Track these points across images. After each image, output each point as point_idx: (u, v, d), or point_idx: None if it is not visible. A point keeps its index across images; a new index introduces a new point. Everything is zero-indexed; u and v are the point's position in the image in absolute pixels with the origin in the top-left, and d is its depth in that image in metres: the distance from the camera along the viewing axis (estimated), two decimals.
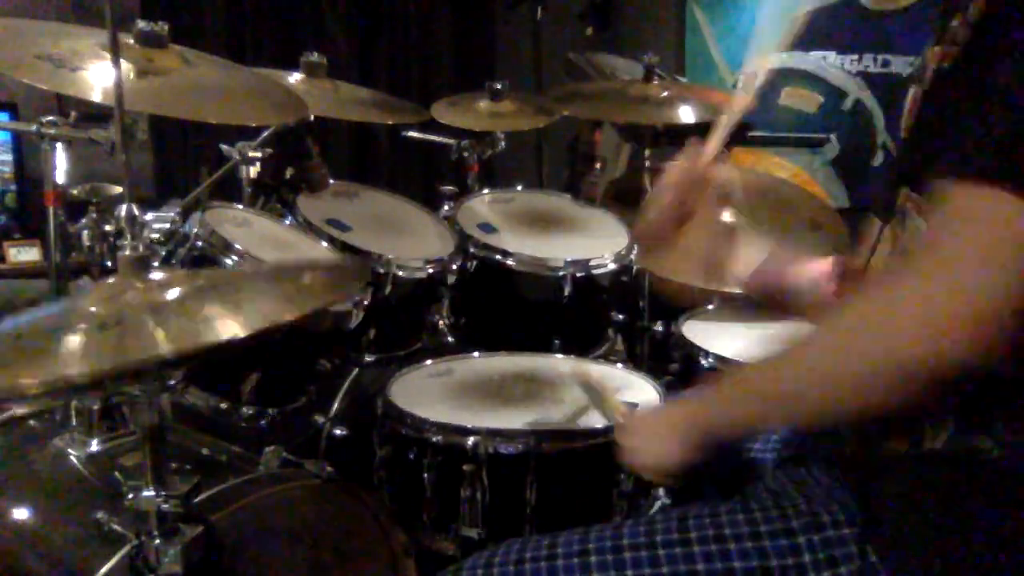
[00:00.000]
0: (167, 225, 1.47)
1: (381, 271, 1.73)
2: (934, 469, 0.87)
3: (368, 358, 1.81)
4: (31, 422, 1.46)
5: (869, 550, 0.85)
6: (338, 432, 1.76)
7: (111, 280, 1.01)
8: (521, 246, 1.93)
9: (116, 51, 1.00)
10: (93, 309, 0.94)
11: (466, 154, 2.34)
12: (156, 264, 1.04)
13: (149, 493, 1.01)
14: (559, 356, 1.77)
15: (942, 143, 0.79)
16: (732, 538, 0.90)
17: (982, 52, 0.79)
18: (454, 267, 1.87)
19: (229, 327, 0.88)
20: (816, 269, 1.15)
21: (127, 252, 0.98)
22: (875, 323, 0.78)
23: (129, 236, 0.98)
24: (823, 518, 0.89)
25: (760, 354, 0.92)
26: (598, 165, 2.32)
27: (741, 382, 0.96)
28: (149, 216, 1.46)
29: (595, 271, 1.92)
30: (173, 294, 0.96)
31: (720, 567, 0.89)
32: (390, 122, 2.32)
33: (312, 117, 1.72)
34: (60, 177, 1.50)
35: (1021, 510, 0.81)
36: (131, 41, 1.46)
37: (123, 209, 0.98)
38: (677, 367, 2.00)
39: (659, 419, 1.07)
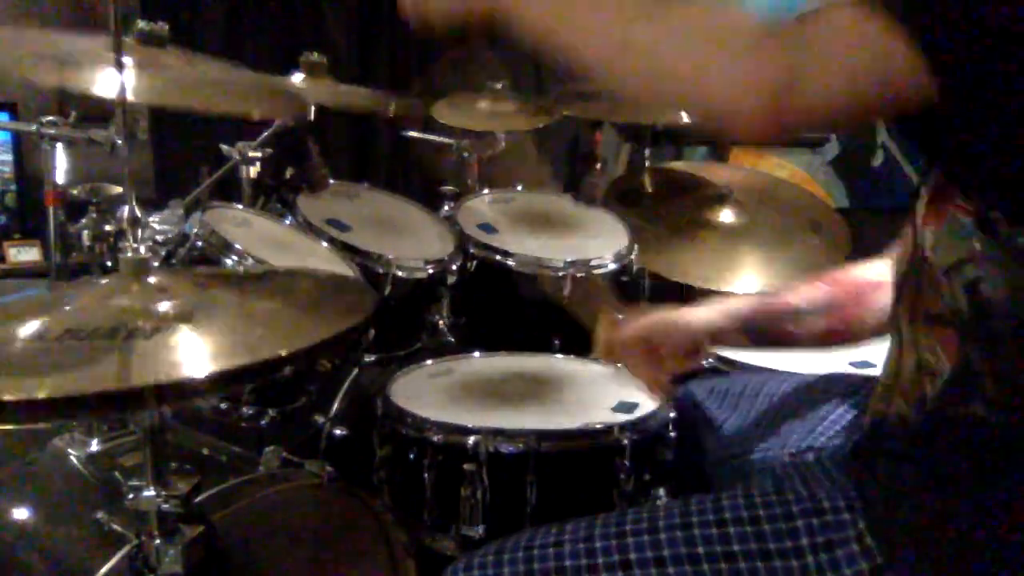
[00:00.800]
0: (170, 227, 1.47)
1: (381, 271, 1.73)
2: (928, 451, 0.88)
3: (368, 358, 1.81)
4: None
5: (866, 535, 0.87)
6: (338, 432, 1.76)
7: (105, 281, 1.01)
8: (521, 246, 1.93)
9: (119, 52, 1.00)
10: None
11: (466, 154, 2.34)
12: (156, 264, 1.03)
13: (149, 493, 1.01)
14: (558, 355, 1.77)
15: None
16: (732, 522, 0.92)
17: None
18: (454, 267, 1.87)
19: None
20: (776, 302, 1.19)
21: (128, 254, 0.98)
22: (706, 47, 0.79)
23: (131, 238, 0.98)
24: (823, 504, 0.90)
25: None
26: (598, 165, 2.32)
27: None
28: (153, 218, 1.46)
29: (595, 271, 1.92)
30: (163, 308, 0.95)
31: (719, 550, 0.91)
32: (391, 112, 2.31)
33: (312, 116, 1.72)
34: (60, 177, 1.50)
35: (1015, 483, 0.82)
36: (131, 41, 1.46)
37: (125, 211, 0.98)
38: None
39: None
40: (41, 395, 0.76)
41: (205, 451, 1.42)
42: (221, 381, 0.86)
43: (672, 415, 1.47)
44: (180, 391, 0.86)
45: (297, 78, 2.07)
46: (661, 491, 1.47)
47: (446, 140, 2.39)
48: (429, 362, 1.70)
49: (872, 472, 0.91)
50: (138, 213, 0.99)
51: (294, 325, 0.97)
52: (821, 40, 0.76)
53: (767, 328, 1.20)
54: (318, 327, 0.94)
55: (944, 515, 0.85)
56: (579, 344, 1.93)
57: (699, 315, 1.23)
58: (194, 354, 0.85)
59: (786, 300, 1.20)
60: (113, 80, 1.32)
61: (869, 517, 0.88)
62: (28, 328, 0.91)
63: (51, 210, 1.51)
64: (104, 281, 1.07)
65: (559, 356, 1.77)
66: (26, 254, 3.12)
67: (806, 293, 1.19)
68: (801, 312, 1.18)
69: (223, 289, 1.04)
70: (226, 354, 0.87)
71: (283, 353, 0.86)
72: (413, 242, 1.92)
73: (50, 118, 1.48)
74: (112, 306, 0.95)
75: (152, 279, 0.98)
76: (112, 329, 0.88)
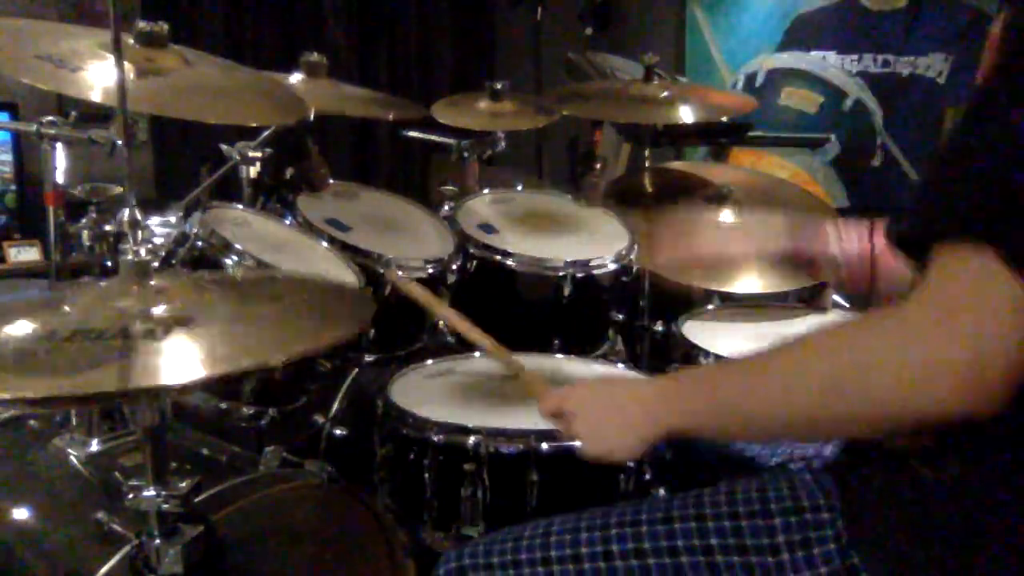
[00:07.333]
0: (169, 230, 1.47)
1: (381, 271, 1.73)
2: (914, 455, 0.88)
3: (368, 358, 1.81)
4: (31, 422, 1.46)
5: (844, 535, 0.88)
6: (338, 432, 1.76)
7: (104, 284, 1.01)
8: (521, 246, 1.93)
9: (119, 51, 1.00)
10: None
11: (466, 154, 2.34)
12: (156, 265, 1.03)
13: (149, 493, 1.01)
14: (558, 355, 1.77)
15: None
16: (711, 517, 0.95)
17: (997, 98, 0.77)
18: (454, 267, 1.87)
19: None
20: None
21: (129, 256, 0.98)
22: (868, 366, 0.78)
23: (131, 240, 0.98)
24: (803, 503, 0.92)
25: (735, 357, 0.93)
26: (598, 165, 2.31)
27: (712, 388, 0.93)
28: (152, 220, 1.46)
29: (595, 271, 1.92)
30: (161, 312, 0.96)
31: (697, 543, 0.93)
32: (391, 117, 2.32)
33: (312, 117, 1.72)
34: (60, 177, 1.50)
35: (974, 528, 0.83)
36: (131, 41, 1.46)
37: (125, 213, 0.98)
38: (677, 367, 2.00)
39: (615, 409, 1.02)
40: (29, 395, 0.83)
41: (205, 451, 1.42)
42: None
43: None
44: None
45: (297, 78, 2.08)
46: (661, 491, 1.47)
47: (446, 140, 2.39)
48: (429, 362, 1.70)
49: (858, 473, 0.92)
50: (139, 216, 0.99)
51: (288, 332, 0.98)
52: (962, 296, 0.73)
53: (799, 262, 1.29)
54: (310, 335, 0.96)
55: (927, 518, 0.86)
56: (579, 344, 1.93)
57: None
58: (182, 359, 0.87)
59: (824, 243, 1.26)
60: (113, 83, 1.32)
61: (849, 517, 0.89)
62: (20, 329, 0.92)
63: (51, 210, 1.51)
64: (102, 284, 1.07)
65: (559, 356, 1.77)
66: (26, 254, 3.12)
67: (844, 242, 1.24)
68: (831, 259, 1.24)
69: (220, 294, 1.04)
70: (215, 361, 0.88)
71: (274, 362, 0.88)
72: (413, 242, 1.92)
73: (50, 118, 1.48)
74: (109, 309, 0.96)
75: (153, 282, 0.99)
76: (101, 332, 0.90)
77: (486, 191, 2.21)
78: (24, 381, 0.86)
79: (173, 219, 1.49)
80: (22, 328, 0.95)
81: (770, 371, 0.86)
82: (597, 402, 1.05)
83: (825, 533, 0.89)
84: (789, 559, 0.89)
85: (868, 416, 0.79)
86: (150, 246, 1.00)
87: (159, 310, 0.96)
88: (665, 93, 2.34)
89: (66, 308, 0.99)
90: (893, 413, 0.77)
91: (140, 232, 0.99)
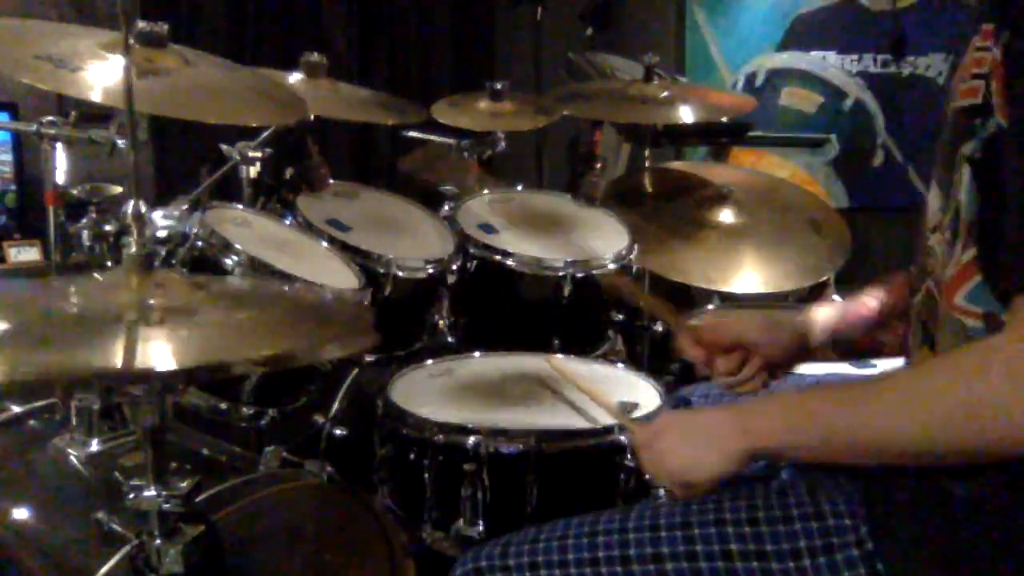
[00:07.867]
0: (173, 223, 1.47)
1: (381, 271, 1.73)
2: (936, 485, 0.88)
3: (368, 358, 1.81)
4: (31, 422, 1.46)
5: (867, 540, 0.88)
6: (338, 432, 1.76)
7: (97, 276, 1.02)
8: (521, 246, 1.93)
9: (128, 50, 1.00)
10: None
11: (466, 154, 2.34)
12: (157, 264, 1.04)
13: (150, 493, 1.01)
14: (558, 355, 1.77)
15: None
16: (731, 522, 0.94)
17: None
18: (454, 267, 1.87)
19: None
20: (861, 310, 1.19)
21: (132, 249, 0.98)
22: (978, 402, 0.79)
23: (135, 234, 0.98)
24: (824, 508, 0.91)
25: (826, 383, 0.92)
26: (598, 165, 2.31)
27: (806, 410, 0.92)
28: (156, 214, 1.46)
29: (595, 271, 1.92)
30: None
31: (717, 548, 0.93)
32: (390, 122, 2.33)
33: (312, 117, 1.72)
34: (60, 177, 1.50)
35: (1004, 546, 0.84)
36: (131, 41, 1.46)
37: (129, 206, 0.98)
38: (677, 367, 2.00)
39: (699, 427, 1.01)
40: None
41: (205, 451, 1.42)
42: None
43: None
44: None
45: (297, 78, 2.08)
46: (661, 491, 1.47)
47: (446, 140, 2.39)
48: (429, 362, 1.70)
49: (883, 484, 0.91)
50: (142, 209, 0.99)
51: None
52: None
53: (855, 338, 1.22)
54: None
55: (955, 534, 0.86)
56: (579, 344, 1.93)
57: (789, 326, 1.24)
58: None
59: (870, 307, 1.20)
60: (113, 83, 1.33)
61: (873, 523, 0.88)
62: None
63: (51, 210, 1.51)
64: (100, 277, 1.07)
65: (559, 356, 1.77)
66: (26, 254, 3.12)
67: (885, 299, 1.20)
68: (887, 317, 1.19)
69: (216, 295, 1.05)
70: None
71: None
72: (413, 242, 1.92)
73: (50, 118, 1.49)
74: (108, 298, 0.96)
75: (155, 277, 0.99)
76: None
77: (486, 191, 2.21)
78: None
79: (176, 212, 1.49)
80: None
81: (881, 401, 0.86)
82: (676, 425, 1.04)
83: (848, 539, 0.89)
84: (811, 564, 0.89)
85: (981, 447, 0.80)
86: (153, 240, 1.00)
87: (156, 302, 0.97)
88: (665, 93, 2.34)
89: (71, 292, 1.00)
90: (1006, 445, 0.79)
91: (144, 227, 0.99)
